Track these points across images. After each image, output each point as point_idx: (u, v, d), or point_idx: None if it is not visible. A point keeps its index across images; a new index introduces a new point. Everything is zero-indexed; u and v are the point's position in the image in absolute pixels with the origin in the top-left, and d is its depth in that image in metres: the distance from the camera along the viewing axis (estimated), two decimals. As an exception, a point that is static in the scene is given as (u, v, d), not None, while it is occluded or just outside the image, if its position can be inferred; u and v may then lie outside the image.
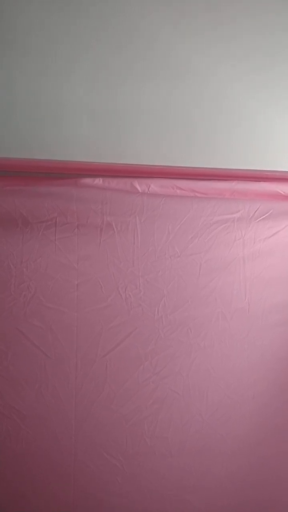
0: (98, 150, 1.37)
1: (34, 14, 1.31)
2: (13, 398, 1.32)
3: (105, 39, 1.34)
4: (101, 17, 1.33)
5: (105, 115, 1.37)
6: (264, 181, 1.33)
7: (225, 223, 1.33)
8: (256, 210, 1.33)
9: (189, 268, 1.33)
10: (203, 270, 1.33)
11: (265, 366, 1.37)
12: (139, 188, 1.29)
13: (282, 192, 1.33)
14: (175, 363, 1.35)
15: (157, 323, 1.33)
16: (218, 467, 1.40)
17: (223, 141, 1.41)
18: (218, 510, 1.43)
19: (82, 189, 1.27)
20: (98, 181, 1.27)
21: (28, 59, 1.33)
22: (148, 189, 1.29)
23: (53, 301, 1.30)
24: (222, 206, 1.32)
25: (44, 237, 1.28)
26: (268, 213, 1.33)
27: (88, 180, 1.27)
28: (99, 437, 1.36)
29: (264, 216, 1.33)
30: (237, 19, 1.37)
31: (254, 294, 1.35)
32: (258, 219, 1.33)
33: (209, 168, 1.35)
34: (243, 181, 1.32)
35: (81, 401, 1.34)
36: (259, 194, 1.33)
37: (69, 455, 1.36)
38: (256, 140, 1.42)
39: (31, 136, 1.36)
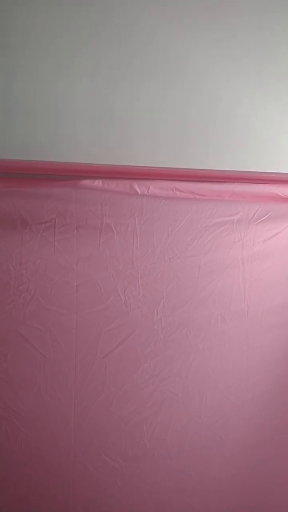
0: (97, 152, 1.37)
1: (32, 15, 1.31)
2: (12, 400, 1.32)
3: (104, 40, 1.34)
4: (99, 19, 1.33)
5: (105, 117, 1.37)
6: (263, 183, 1.33)
7: (224, 225, 1.33)
8: (255, 212, 1.33)
9: (188, 270, 1.33)
10: (202, 272, 1.33)
11: (264, 368, 1.37)
12: (138, 190, 1.29)
13: (281, 194, 1.33)
14: (174, 365, 1.35)
15: (156, 324, 1.33)
16: (217, 470, 1.40)
17: (223, 143, 1.42)
18: (217, 513, 1.43)
19: (82, 190, 1.27)
20: (98, 182, 1.27)
21: (27, 60, 1.33)
22: (148, 191, 1.29)
23: (52, 303, 1.30)
24: (221, 208, 1.32)
25: (43, 238, 1.28)
26: (267, 215, 1.34)
27: (87, 182, 1.27)
28: (98, 439, 1.35)
29: (263, 218, 1.33)
30: (235, 18, 1.37)
31: (253, 296, 1.35)
32: (257, 221, 1.33)
33: (208, 170, 1.36)
34: (242, 183, 1.32)
35: (80, 403, 1.33)
36: (258, 196, 1.33)
37: (68, 457, 1.36)
38: (255, 142, 1.43)
39: (31, 137, 1.36)
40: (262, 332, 1.36)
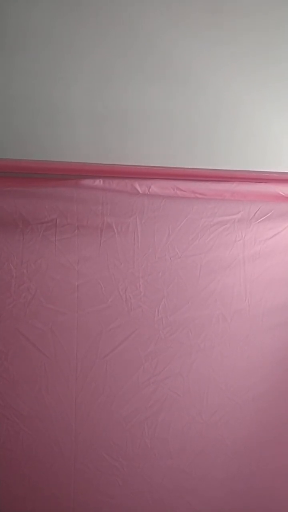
0: (98, 151, 1.37)
1: (34, 15, 1.31)
2: (13, 399, 1.32)
3: (107, 40, 1.34)
4: (103, 18, 1.33)
5: (106, 117, 1.37)
6: (264, 182, 1.33)
7: (226, 224, 1.32)
8: (256, 211, 1.33)
9: (190, 269, 1.33)
10: (203, 271, 1.33)
11: (265, 367, 1.37)
12: (139, 189, 1.29)
13: (282, 193, 1.32)
14: (175, 365, 1.35)
15: (157, 324, 1.33)
16: (218, 469, 1.40)
17: (224, 142, 1.41)
18: (218, 512, 1.43)
19: (83, 190, 1.27)
20: (99, 182, 1.27)
21: (29, 59, 1.33)
22: (149, 190, 1.29)
23: (54, 302, 1.31)
24: (222, 207, 1.32)
25: (45, 238, 1.29)
26: (269, 214, 1.33)
27: (88, 181, 1.27)
28: (99, 438, 1.36)
29: (264, 217, 1.33)
30: (235, 20, 1.37)
31: (254, 295, 1.35)
32: (259, 220, 1.33)
33: (209, 169, 1.35)
34: (244, 182, 1.32)
35: (81, 402, 1.34)
36: (259, 195, 1.33)
37: (69, 456, 1.36)
38: (256, 141, 1.43)
39: (32, 137, 1.36)
40: (263, 332, 1.36)
